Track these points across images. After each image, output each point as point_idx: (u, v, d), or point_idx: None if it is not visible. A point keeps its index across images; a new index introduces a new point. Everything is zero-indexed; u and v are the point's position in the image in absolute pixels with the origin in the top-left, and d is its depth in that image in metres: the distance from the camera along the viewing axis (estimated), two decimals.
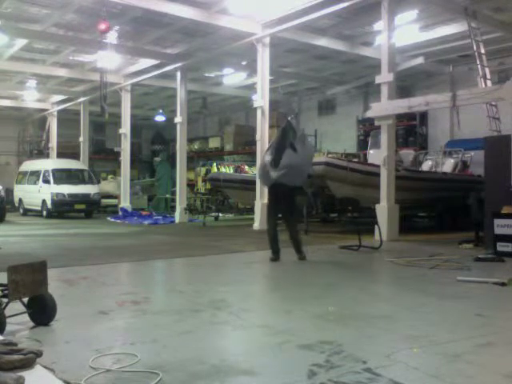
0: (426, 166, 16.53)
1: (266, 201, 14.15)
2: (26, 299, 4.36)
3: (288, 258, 8.45)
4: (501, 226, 8.93)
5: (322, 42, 15.70)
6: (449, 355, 3.68)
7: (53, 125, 27.15)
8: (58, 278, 6.59)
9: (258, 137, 14.96)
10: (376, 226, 10.77)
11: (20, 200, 23.00)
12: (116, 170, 27.68)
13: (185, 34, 16.05)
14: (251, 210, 16.61)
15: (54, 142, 27.05)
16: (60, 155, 26.11)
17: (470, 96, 10.55)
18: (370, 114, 12.64)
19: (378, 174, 12.05)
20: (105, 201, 23.35)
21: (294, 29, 14.24)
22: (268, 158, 8.38)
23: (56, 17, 14.52)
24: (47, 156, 27.21)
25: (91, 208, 21.17)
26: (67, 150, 27.06)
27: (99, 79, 15.24)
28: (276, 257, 8.40)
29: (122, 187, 21.78)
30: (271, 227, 8.63)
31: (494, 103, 12.40)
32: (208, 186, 21.19)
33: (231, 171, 21.80)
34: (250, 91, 21.29)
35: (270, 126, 15.69)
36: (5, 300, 4.19)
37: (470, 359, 3.60)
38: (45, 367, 2.94)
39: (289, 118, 8.55)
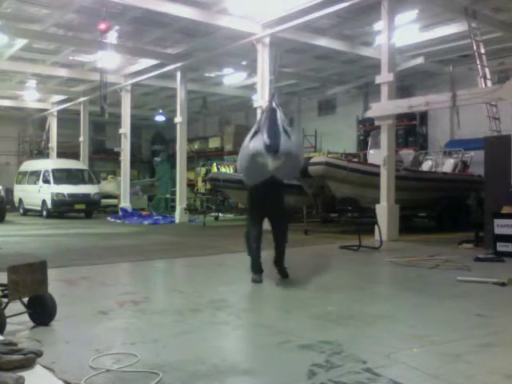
0: (426, 165, 16.52)
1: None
2: (26, 299, 4.36)
3: (288, 259, 8.42)
4: (501, 226, 8.94)
5: (322, 41, 15.70)
6: (449, 355, 3.68)
7: (53, 125, 27.15)
8: (58, 278, 6.57)
9: None
10: (376, 226, 10.78)
11: (20, 200, 23.00)
12: (116, 170, 27.68)
13: (185, 34, 16.05)
14: None
15: (54, 142, 27.05)
16: (60, 155, 26.12)
17: (470, 96, 10.54)
18: (370, 114, 12.64)
19: (378, 174, 12.05)
20: (105, 201, 23.35)
21: (293, 29, 14.23)
22: (259, 143, 6.14)
23: (56, 17, 14.52)
24: (47, 156, 27.21)
25: (91, 208, 21.16)
26: (67, 150, 27.09)
27: (99, 79, 15.27)
28: (260, 277, 6.67)
29: (121, 187, 21.78)
30: (255, 238, 6.73)
31: (493, 103, 12.39)
32: (208, 186, 21.19)
33: (231, 171, 21.80)
34: (250, 91, 21.29)
35: None
36: (5, 300, 4.18)
37: (470, 359, 3.60)
38: (45, 367, 2.94)
39: (274, 102, 6.70)
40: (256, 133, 6.38)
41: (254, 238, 6.73)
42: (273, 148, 5.95)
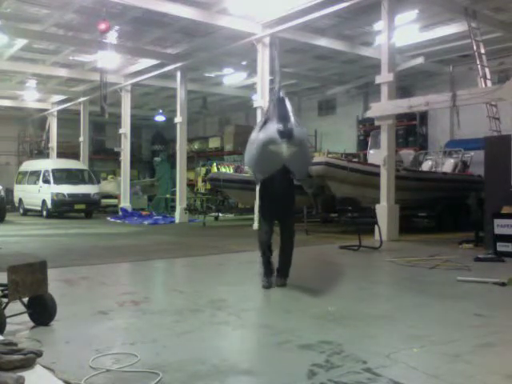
0: (426, 165, 16.52)
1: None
2: (26, 299, 4.36)
3: None
4: (501, 226, 8.94)
5: (322, 41, 15.70)
6: (449, 355, 3.68)
7: (53, 125, 27.16)
8: (58, 278, 6.57)
9: None
10: (376, 226, 10.78)
11: (20, 200, 23.00)
12: (116, 170, 27.70)
13: (185, 34, 16.06)
14: (251, 210, 16.61)
15: (54, 142, 27.06)
16: (60, 155, 26.13)
17: (469, 96, 10.54)
18: (370, 114, 12.63)
19: (378, 174, 12.05)
20: (105, 201, 23.36)
21: (293, 29, 14.23)
22: (270, 131, 5.65)
23: (56, 17, 14.53)
24: (47, 156, 27.22)
25: (91, 208, 21.16)
26: (67, 150, 27.10)
27: (99, 79, 15.27)
28: (270, 282, 6.29)
29: (121, 187, 21.78)
30: (267, 238, 6.36)
31: (493, 103, 12.39)
32: (208, 186, 21.20)
33: (231, 171, 21.79)
34: (250, 91, 21.29)
35: None
36: (5, 300, 4.18)
37: (470, 359, 3.60)
38: (45, 367, 2.95)
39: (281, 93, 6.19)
40: (265, 123, 6.00)
41: (265, 237, 6.37)
42: (287, 133, 5.49)
